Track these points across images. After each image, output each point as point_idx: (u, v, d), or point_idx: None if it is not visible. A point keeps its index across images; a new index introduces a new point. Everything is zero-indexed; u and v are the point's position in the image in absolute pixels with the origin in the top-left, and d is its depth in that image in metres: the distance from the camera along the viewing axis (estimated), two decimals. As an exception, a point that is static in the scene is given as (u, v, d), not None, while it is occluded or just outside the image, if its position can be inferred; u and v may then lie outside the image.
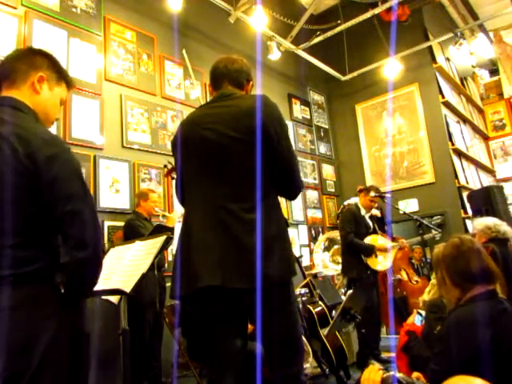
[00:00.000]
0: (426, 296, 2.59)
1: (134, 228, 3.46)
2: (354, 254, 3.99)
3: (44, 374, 1.16)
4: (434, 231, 4.23)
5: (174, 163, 1.75)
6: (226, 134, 1.55)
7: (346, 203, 5.07)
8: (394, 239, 4.34)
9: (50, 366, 1.17)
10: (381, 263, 4.01)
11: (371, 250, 3.96)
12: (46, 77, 1.36)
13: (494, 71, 8.72)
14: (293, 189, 1.69)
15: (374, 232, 4.15)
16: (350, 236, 3.95)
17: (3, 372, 1.10)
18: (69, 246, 1.22)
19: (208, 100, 1.78)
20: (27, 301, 1.17)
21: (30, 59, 1.36)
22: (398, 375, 1.20)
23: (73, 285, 1.26)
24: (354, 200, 4.75)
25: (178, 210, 3.89)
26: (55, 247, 1.28)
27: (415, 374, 1.19)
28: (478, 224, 3.33)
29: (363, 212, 4.12)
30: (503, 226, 3.23)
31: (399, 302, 4.98)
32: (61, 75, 1.41)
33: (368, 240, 4.05)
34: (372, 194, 4.14)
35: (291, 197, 1.75)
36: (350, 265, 4.02)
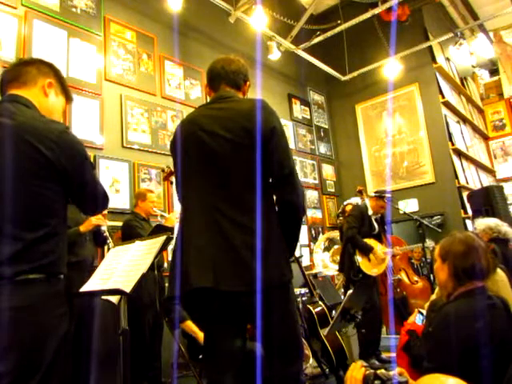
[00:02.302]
0: (436, 296, 2.59)
1: (132, 228, 3.46)
2: (349, 256, 4.01)
3: (54, 373, 1.18)
4: (428, 241, 4.26)
5: (172, 166, 1.73)
6: (222, 135, 1.55)
7: (346, 203, 5.08)
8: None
9: (59, 365, 1.20)
10: (373, 268, 4.01)
11: (368, 250, 3.96)
12: (53, 83, 1.46)
13: (493, 71, 8.72)
14: (292, 197, 1.56)
15: (379, 235, 4.16)
16: (353, 230, 3.96)
17: (15, 370, 1.11)
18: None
19: (207, 101, 1.78)
20: (42, 300, 1.20)
21: (39, 66, 1.45)
22: (378, 372, 1.18)
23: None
24: (354, 200, 4.75)
25: (178, 210, 3.90)
26: (65, 240, 1.34)
27: (398, 370, 1.18)
28: (480, 224, 3.36)
29: (370, 212, 4.14)
30: (504, 227, 3.26)
31: (399, 303, 4.98)
32: (63, 87, 1.52)
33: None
34: (372, 194, 4.16)
35: (293, 205, 1.57)
36: (346, 263, 4.08)
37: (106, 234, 3.08)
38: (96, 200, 1.48)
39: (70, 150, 1.32)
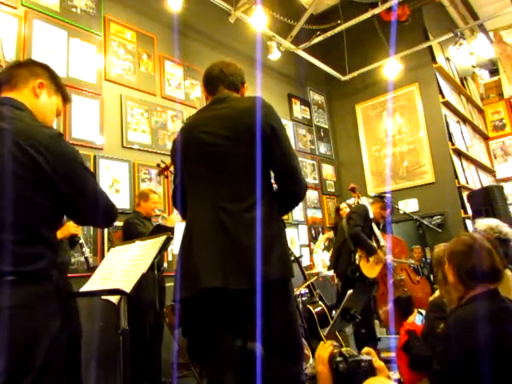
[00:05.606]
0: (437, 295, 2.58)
1: (133, 226, 3.46)
2: (348, 252, 3.97)
3: (47, 373, 1.17)
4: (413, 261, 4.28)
5: (167, 162, 1.74)
6: (221, 134, 1.57)
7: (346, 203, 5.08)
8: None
9: (52, 365, 1.19)
10: (370, 270, 4.00)
11: (373, 251, 3.94)
12: (45, 84, 1.43)
13: (493, 71, 8.72)
14: (295, 189, 1.64)
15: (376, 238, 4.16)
16: (358, 228, 3.91)
17: (6, 371, 1.11)
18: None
19: (205, 105, 1.79)
20: (32, 299, 1.19)
21: (32, 68, 1.44)
22: (343, 349, 1.16)
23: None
24: (354, 200, 4.75)
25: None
26: (55, 243, 1.32)
27: (365, 350, 1.16)
28: (481, 224, 3.36)
29: (371, 216, 4.12)
30: (505, 227, 3.27)
31: (403, 302, 4.95)
32: (58, 87, 1.49)
33: None
34: (372, 194, 4.16)
35: (295, 197, 1.67)
36: (343, 261, 4.02)
37: (82, 241, 3.14)
38: (96, 211, 1.37)
39: (60, 155, 1.28)
